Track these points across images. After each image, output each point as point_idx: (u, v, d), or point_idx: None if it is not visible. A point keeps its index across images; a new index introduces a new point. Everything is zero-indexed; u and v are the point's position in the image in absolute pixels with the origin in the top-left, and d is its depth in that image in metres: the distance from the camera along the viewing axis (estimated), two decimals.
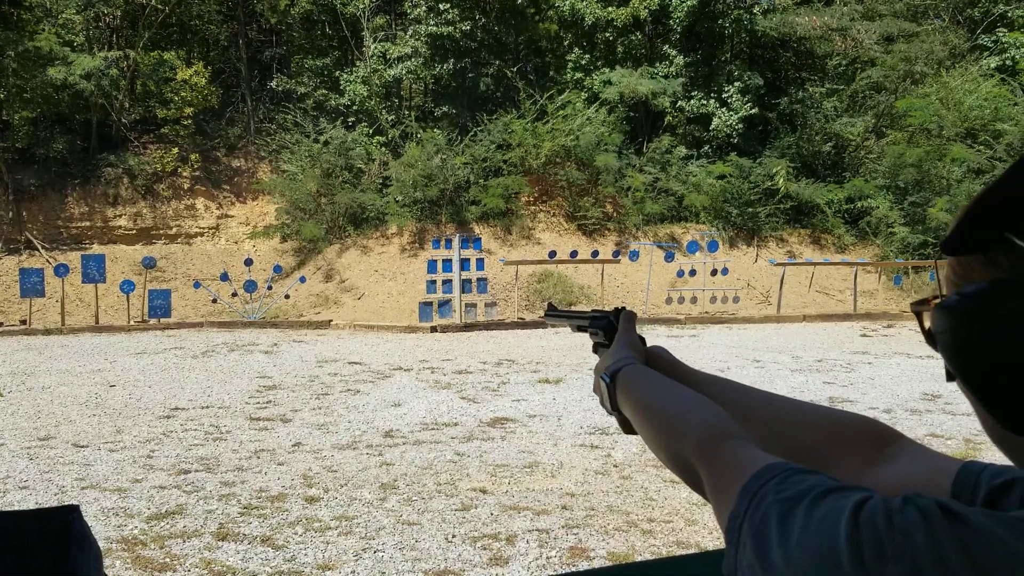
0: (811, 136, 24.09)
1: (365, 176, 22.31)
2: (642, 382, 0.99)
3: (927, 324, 0.71)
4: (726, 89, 23.52)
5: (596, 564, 4.35)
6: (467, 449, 6.89)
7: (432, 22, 23.47)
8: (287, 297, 18.95)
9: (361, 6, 24.12)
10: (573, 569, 4.32)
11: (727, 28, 24.42)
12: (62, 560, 0.81)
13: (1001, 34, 25.57)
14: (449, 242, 18.23)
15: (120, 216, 22.21)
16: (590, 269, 19.37)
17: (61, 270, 17.46)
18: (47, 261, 19.92)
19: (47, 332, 16.29)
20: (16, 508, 3.25)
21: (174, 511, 5.25)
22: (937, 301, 0.68)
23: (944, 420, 7.87)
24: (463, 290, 17.57)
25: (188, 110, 23.43)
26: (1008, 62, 24.58)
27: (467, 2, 23.94)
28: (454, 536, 4.80)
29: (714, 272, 19.24)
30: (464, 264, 17.77)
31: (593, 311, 1.30)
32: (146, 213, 22.47)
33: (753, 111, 23.32)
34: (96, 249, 20.69)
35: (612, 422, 1.15)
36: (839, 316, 18.54)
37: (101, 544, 4.27)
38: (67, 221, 21.70)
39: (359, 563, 4.40)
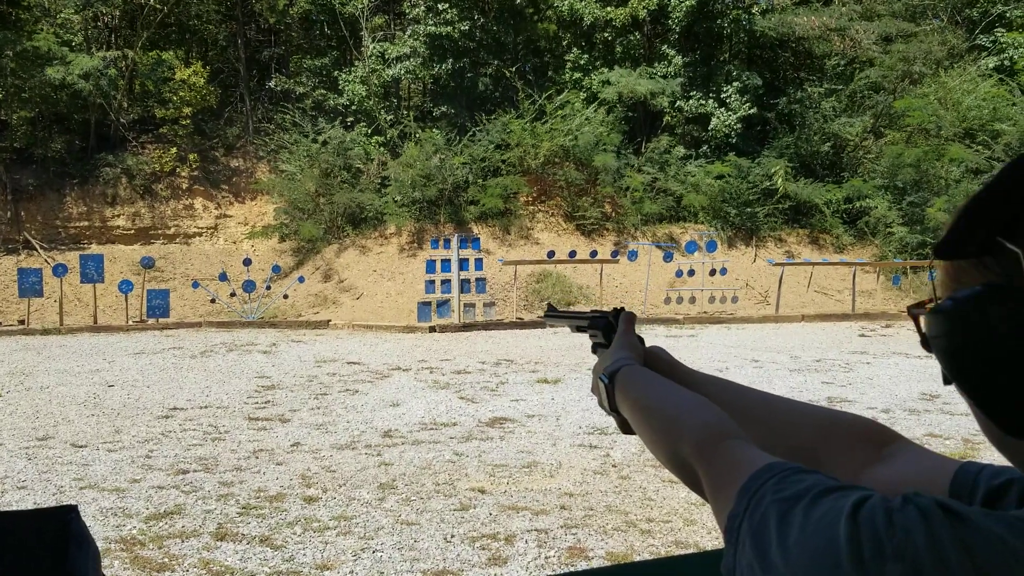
0: (809, 136, 24.10)
1: (364, 176, 22.31)
2: (640, 382, 0.99)
3: (924, 328, 0.71)
4: (724, 89, 23.53)
5: (595, 564, 4.35)
6: (466, 449, 6.89)
7: (431, 22, 23.47)
8: (286, 297, 18.94)
9: (360, 6, 24.11)
10: (572, 569, 4.32)
11: (726, 28, 24.41)
12: (60, 560, 0.81)
13: (999, 34, 25.59)
14: (448, 242, 18.23)
15: (118, 216, 22.19)
16: (589, 269, 19.37)
17: (59, 270, 17.45)
18: (45, 261, 19.90)
19: (45, 332, 16.28)
20: (14, 508, 3.24)
21: (172, 511, 5.25)
22: (932, 305, 0.68)
23: (942, 420, 7.87)
24: (462, 290, 17.57)
25: (186, 110, 23.42)
26: (1006, 62, 24.60)
27: (466, 2, 23.94)
28: (453, 536, 4.80)
29: (712, 272, 19.25)
30: (463, 264, 17.76)
31: (592, 312, 1.30)
32: (144, 213, 22.46)
33: (752, 111, 23.33)
34: (94, 249, 20.67)
35: (611, 422, 1.15)
36: (837, 316, 18.54)
37: (99, 544, 4.27)
38: (65, 221, 21.68)
39: (358, 563, 4.40)
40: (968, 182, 21.24)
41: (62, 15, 23.60)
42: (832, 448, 0.92)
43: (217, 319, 17.92)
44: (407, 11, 24.73)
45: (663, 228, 22.20)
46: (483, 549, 4.60)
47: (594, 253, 19.40)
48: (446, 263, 17.76)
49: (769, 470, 0.67)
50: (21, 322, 17.08)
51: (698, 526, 4.99)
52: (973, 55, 25.67)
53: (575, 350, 12.59)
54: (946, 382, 0.68)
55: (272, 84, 25.18)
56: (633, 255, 19.81)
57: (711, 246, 20.33)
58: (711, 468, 0.76)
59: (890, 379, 10.44)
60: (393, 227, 21.36)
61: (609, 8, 23.64)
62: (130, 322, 17.36)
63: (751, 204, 22.57)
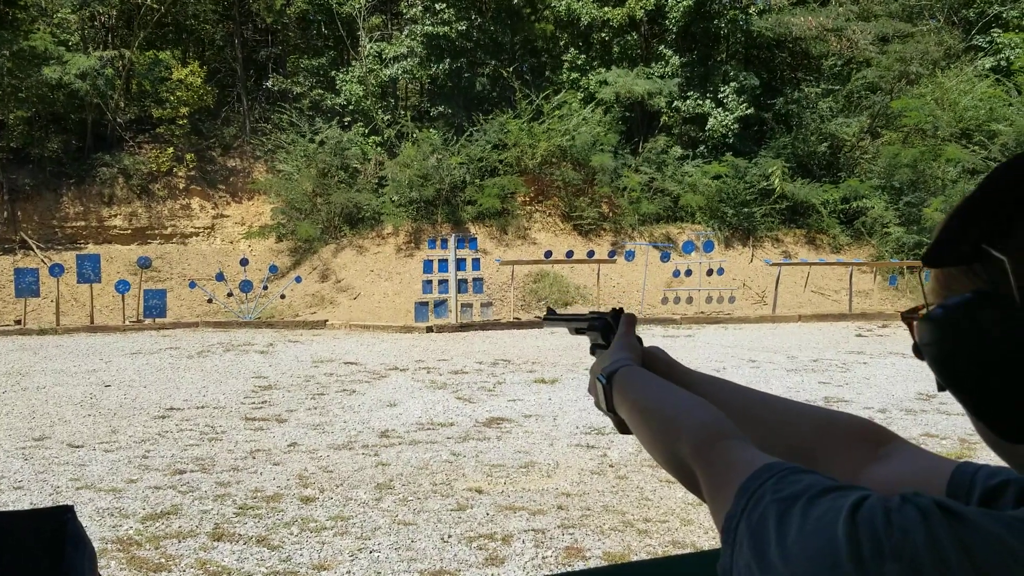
0: (806, 136, 24.11)
1: (361, 176, 22.30)
2: (638, 383, 1.00)
3: (915, 335, 0.72)
4: (722, 89, 23.54)
5: (592, 564, 4.35)
6: (463, 449, 6.89)
7: (428, 22, 23.45)
8: (283, 297, 18.92)
9: (357, 6, 24.09)
10: (569, 569, 4.32)
11: (723, 28, 24.41)
12: (57, 561, 0.81)
13: (996, 35, 25.62)
14: (445, 242, 18.23)
15: (115, 216, 22.16)
16: (586, 269, 19.38)
17: (56, 270, 17.42)
18: (42, 261, 19.88)
19: (42, 332, 16.25)
20: (10, 508, 3.25)
21: (169, 511, 5.24)
22: (924, 312, 0.68)
23: (939, 420, 7.88)
24: (459, 290, 17.57)
25: (183, 110, 23.40)
26: (1003, 63, 24.64)
27: (463, 2, 23.93)
28: (450, 536, 4.80)
29: (710, 272, 19.26)
30: (460, 264, 17.77)
31: (591, 313, 1.31)
32: (141, 213, 22.43)
33: (749, 111, 23.34)
34: (91, 249, 20.64)
35: (608, 422, 1.16)
36: (834, 316, 18.56)
37: (96, 544, 4.26)
38: (62, 221, 21.65)
39: (355, 563, 4.40)
40: (965, 182, 21.27)
41: (59, 15, 23.55)
42: (829, 448, 0.92)
43: (214, 319, 17.91)
44: (404, 11, 24.71)
45: (660, 228, 22.21)
46: (480, 549, 4.60)
47: (591, 253, 19.41)
48: (443, 263, 17.76)
49: (767, 470, 0.67)
50: (18, 322, 17.06)
51: (695, 526, 5.00)
52: (970, 55, 25.70)
53: (572, 350, 12.59)
54: (940, 388, 0.68)
55: (269, 84, 25.16)
56: (630, 255, 19.82)
57: (708, 246, 20.34)
58: (709, 468, 0.76)
59: (887, 379, 10.46)
60: (390, 227, 21.35)
61: (606, 8, 23.64)
62: (127, 322, 17.34)
63: (748, 204, 22.59)
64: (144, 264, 18.90)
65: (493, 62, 24.94)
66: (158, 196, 22.79)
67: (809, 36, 24.62)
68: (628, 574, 1.54)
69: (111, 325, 17.07)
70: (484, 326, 16.89)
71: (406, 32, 24.16)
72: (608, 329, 1.24)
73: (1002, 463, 0.70)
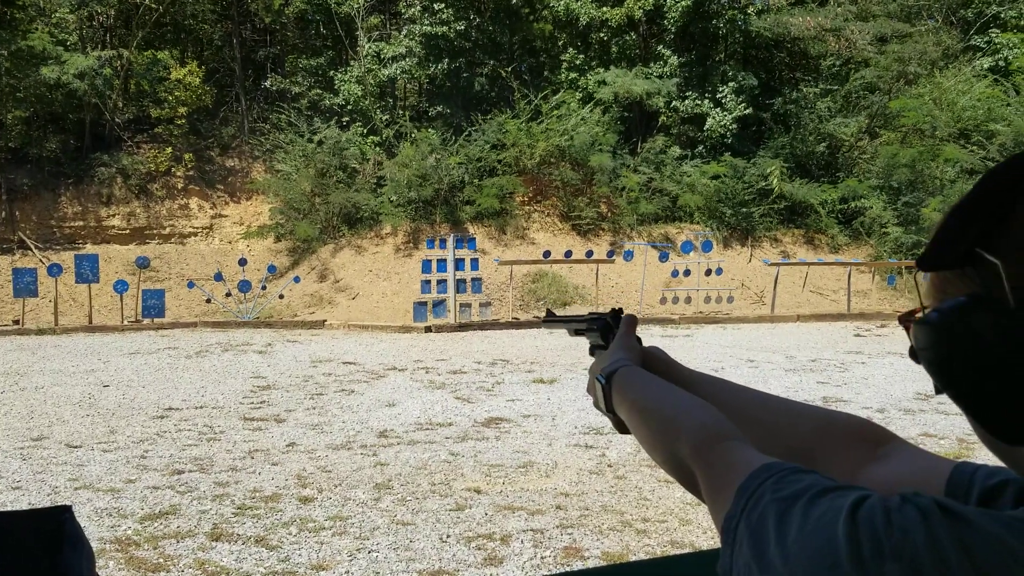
0: (805, 136, 24.12)
1: (359, 176, 22.29)
2: (637, 384, 1.00)
3: (911, 339, 0.72)
4: (720, 89, 23.55)
5: (590, 564, 4.35)
6: (461, 449, 6.89)
7: (426, 22, 23.45)
8: (281, 297, 18.92)
9: (355, 6, 24.08)
10: (567, 569, 4.32)
11: (721, 28, 24.43)
12: (55, 561, 0.81)
13: (994, 35, 25.64)
14: (443, 242, 18.23)
15: (114, 216, 22.15)
16: (584, 269, 19.38)
17: (54, 270, 17.41)
18: (40, 261, 19.86)
19: (40, 332, 16.24)
20: (8, 509, 3.24)
21: (168, 511, 5.24)
22: (919, 316, 0.68)
23: (937, 420, 7.89)
24: (457, 290, 17.57)
25: (182, 110, 23.37)
26: (1001, 63, 24.65)
27: (461, 2, 23.93)
28: (448, 536, 4.80)
29: (708, 272, 19.27)
30: (458, 264, 17.77)
31: (590, 314, 1.31)
32: (140, 213, 22.41)
33: (747, 111, 23.35)
34: (89, 249, 20.63)
35: (607, 422, 1.16)
36: (833, 316, 18.57)
37: (94, 545, 4.26)
38: (60, 221, 21.63)
39: (353, 563, 4.39)
40: (963, 182, 21.28)
41: (57, 14, 23.53)
42: (828, 448, 0.92)
43: (212, 319, 17.90)
44: (403, 11, 24.71)
45: (659, 228, 22.22)
46: (479, 549, 4.60)
47: (590, 253, 19.40)
48: (442, 263, 17.76)
49: (767, 470, 0.67)
50: (16, 322, 17.04)
51: (694, 526, 5.00)
52: (968, 55, 25.72)
53: (571, 350, 12.60)
54: (938, 391, 0.69)
55: (268, 84, 25.14)
56: (629, 255, 19.82)
57: (707, 246, 20.34)
58: (708, 469, 0.76)
59: (885, 379, 10.46)
60: (389, 227, 21.34)
61: (605, 8, 23.65)
62: (125, 322, 17.33)
63: (747, 204, 22.60)
64: (142, 264, 18.89)
65: (491, 62, 24.94)
66: (156, 196, 22.77)
67: (807, 36, 24.63)
68: (627, 574, 1.54)
69: (109, 325, 17.06)
70: (483, 326, 16.89)
71: (404, 32, 24.16)
72: (607, 329, 1.24)
73: (1000, 463, 0.71)
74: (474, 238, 19.55)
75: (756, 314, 18.82)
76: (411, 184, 21.21)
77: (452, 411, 8.52)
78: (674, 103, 23.35)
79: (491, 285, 18.85)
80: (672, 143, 23.46)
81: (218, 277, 18.94)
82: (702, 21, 24.13)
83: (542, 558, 4.48)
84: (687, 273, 19.34)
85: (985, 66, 24.66)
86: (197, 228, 22.87)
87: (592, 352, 1.28)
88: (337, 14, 24.42)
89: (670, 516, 5.16)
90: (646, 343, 1.16)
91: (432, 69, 23.77)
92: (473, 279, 17.92)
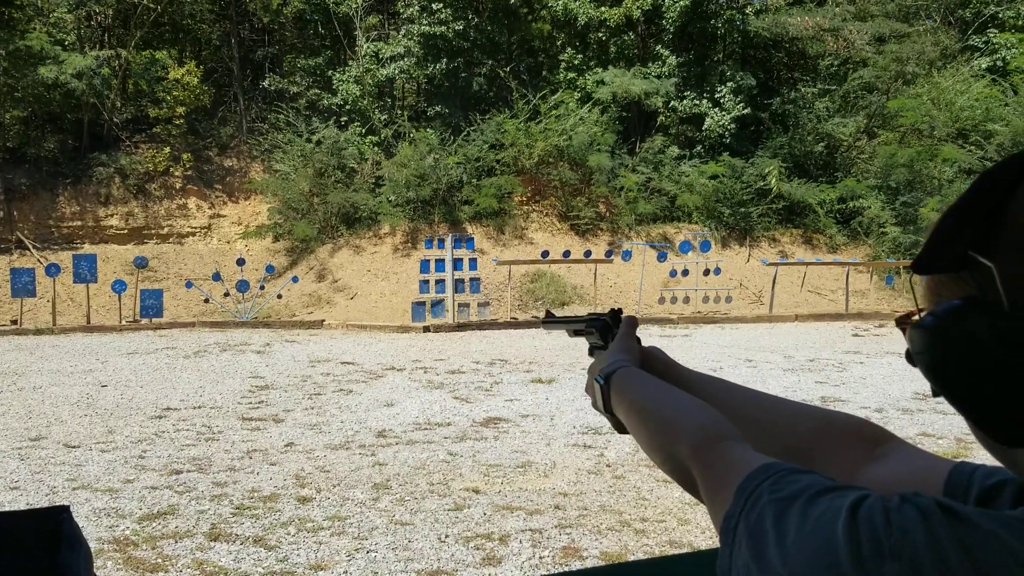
0: (803, 136, 24.13)
1: (358, 176, 22.28)
2: (636, 385, 1.00)
3: (907, 343, 0.72)
4: (719, 89, 23.55)
5: (589, 564, 4.35)
6: (460, 449, 6.89)
7: (425, 22, 23.44)
8: (279, 297, 18.91)
9: (354, 5, 24.08)
10: (566, 569, 4.32)
11: (719, 28, 24.43)
12: (52, 561, 0.81)
13: (992, 35, 25.67)
14: (442, 242, 18.23)
15: (112, 216, 22.13)
16: (583, 269, 19.38)
17: (52, 270, 17.39)
18: (38, 261, 19.84)
19: (38, 332, 16.23)
20: (6, 509, 3.24)
21: (166, 511, 5.23)
22: (916, 319, 0.69)
23: (935, 419, 7.90)
24: (456, 290, 17.57)
25: (180, 109, 23.36)
26: (999, 63, 24.68)
27: (460, 2, 23.92)
28: (447, 536, 4.80)
29: (706, 272, 19.27)
30: (457, 264, 17.77)
31: (589, 315, 1.31)
32: (138, 213, 22.39)
33: (745, 111, 23.35)
34: (87, 249, 20.61)
35: (605, 422, 1.17)
36: (831, 316, 18.58)
37: (92, 545, 4.26)
38: (58, 221, 21.61)
39: (352, 563, 4.39)
40: (961, 182, 21.29)
41: (55, 14, 23.52)
42: (827, 448, 0.92)
43: (211, 319, 17.88)
44: (401, 11, 24.69)
45: (657, 228, 22.22)
46: (477, 549, 4.60)
47: (588, 253, 19.41)
48: (440, 263, 17.76)
49: (765, 470, 0.67)
50: (14, 322, 17.03)
51: (692, 525, 5.00)
52: (966, 56, 25.74)
53: (569, 350, 12.60)
54: (935, 394, 0.69)
55: (266, 84, 25.12)
56: (627, 255, 19.82)
57: (705, 246, 20.35)
58: (707, 469, 0.76)
59: (883, 379, 10.47)
60: (387, 227, 21.34)
61: (603, 8, 23.65)
62: (123, 322, 17.31)
63: (745, 204, 22.61)
64: (140, 264, 18.87)
65: (490, 62, 24.94)
66: (154, 196, 22.76)
67: (806, 36, 24.63)
68: (625, 574, 1.54)
69: (107, 325, 17.04)
70: (481, 326, 16.89)
71: (403, 32, 24.16)
72: (607, 330, 1.24)
73: (999, 463, 0.71)
74: (472, 238, 19.55)
75: (754, 314, 18.83)
76: (409, 184, 21.21)
77: (450, 411, 8.52)
78: (672, 103, 23.35)
79: (489, 285, 18.85)
80: (670, 143, 23.46)
81: (216, 277, 18.93)
82: (700, 21, 24.14)
83: (540, 558, 4.48)
84: (685, 273, 19.35)
85: (983, 66, 24.69)
86: (195, 228, 22.86)
87: (591, 353, 1.28)
88: (335, 14, 24.42)
89: (668, 516, 5.16)
90: (645, 343, 1.17)
91: (430, 69, 23.76)
92: (471, 279, 17.93)
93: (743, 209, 22.58)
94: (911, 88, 24.08)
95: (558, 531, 4.89)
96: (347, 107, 23.65)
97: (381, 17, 26.32)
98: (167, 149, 23.12)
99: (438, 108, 24.08)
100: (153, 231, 22.39)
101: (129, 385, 10.17)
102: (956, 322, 0.64)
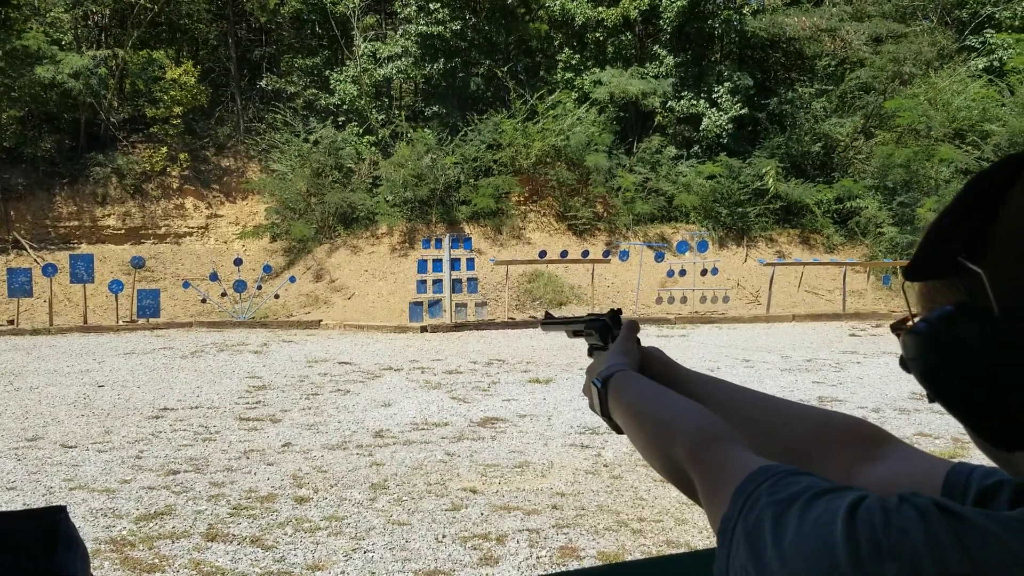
0: (800, 136, 24.15)
1: (355, 176, 22.27)
2: (633, 388, 1.00)
3: (901, 349, 0.72)
4: (716, 89, 23.57)
5: (586, 564, 4.35)
6: (457, 449, 6.89)
7: (422, 22, 23.44)
8: (277, 297, 18.90)
9: (351, 5, 24.06)
10: (563, 569, 4.32)
11: (717, 28, 24.45)
12: (49, 561, 0.81)
13: (989, 35, 25.71)
14: (439, 242, 18.22)
15: (109, 216, 22.10)
16: (580, 269, 19.38)
17: (49, 270, 17.36)
18: (35, 261, 19.81)
19: (35, 332, 16.20)
20: (3, 509, 3.23)
21: (163, 512, 5.23)
22: (910, 324, 0.69)
23: (932, 419, 7.90)
24: (453, 290, 17.56)
25: (177, 109, 23.34)
26: (996, 63, 24.71)
27: (457, 2, 23.92)
28: (444, 536, 4.79)
29: (704, 272, 19.28)
30: (454, 264, 17.76)
31: (589, 315, 1.31)
32: (135, 213, 22.37)
33: (743, 111, 23.37)
34: (84, 249, 20.59)
35: (602, 422, 1.18)
36: (828, 316, 18.59)
37: (89, 545, 4.25)
38: (55, 221, 21.59)
39: (349, 563, 4.39)
40: (958, 182, 21.32)
41: (52, 14, 23.50)
42: (825, 448, 0.92)
43: (208, 319, 17.86)
44: (398, 11, 24.69)
45: (654, 228, 22.24)
46: (475, 549, 4.60)
47: (586, 253, 19.41)
48: (438, 263, 17.75)
49: (763, 472, 0.67)
50: (10, 322, 17.00)
51: (689, 525, 5.00)
52: (963, 56, 25.77)
53: (567, 350, 12.60)
54: (930, 399, 0.69)
55: (263, 83, 25.11)
56: (624, 255, 19.83)
57: (702, 246, 20.36)
58: (705, 471, 0.76)
59: (880, 379, 10.48)
60: (384, 227, 21.33)
61: (601, 8, 23.65)
62: (120, 322, 17.29)
63: (742, 204, 22.63)
64: (138, 264, 18.85)
65: (487, 62, 24.94)
66: (152, 196, 22.74)
67: (803, 36, 24.66)
68: (623, 574, 1.54)
69: (104, 325, 17.02)
70: (478, 326, 16.89)
71: (400, 32, 24.15)
72: (606, 330, 1.24)
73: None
74: (470, 238, 19.54)
75: (752, 314, 18.84)
76: (407, 184, 21.20)
77: (448, 411, 8.52)
78: (670, 103, 23.37)
79: (487, 285, 18.85)
80: (668, 143, 23.48)
81: (213, 277, 18.91)
82: (698, 21, 24.16)
83: (538, 558, 4.48)
84: (683, 273, 19.36)
85: (980, 66, 24.72)
86: (192, 228, 22.84)
87: (590, 353, 1.28)
88: (333, 14, 24.40)
89: (666, 516, 5.17)
90: (643, 343, 1.17)
91: (428, 69, 23.76)
92: (469, 279, 17.92)
93: (740, 209, 22.60)
94: (908, 88, 24.11)
95: (555, 531, 4.89)
96: (344, 107, 23.64)
97: (378, 17, 26.32)
98: (164, 149, 23.10)
99: (435, 108, 24.07)
100: (150, 231, 22.37)
101: (126, 385, 10.16)
102: (948, 328, 0.64)
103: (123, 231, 22.06)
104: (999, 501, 0.70)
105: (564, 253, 19.14)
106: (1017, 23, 25.75)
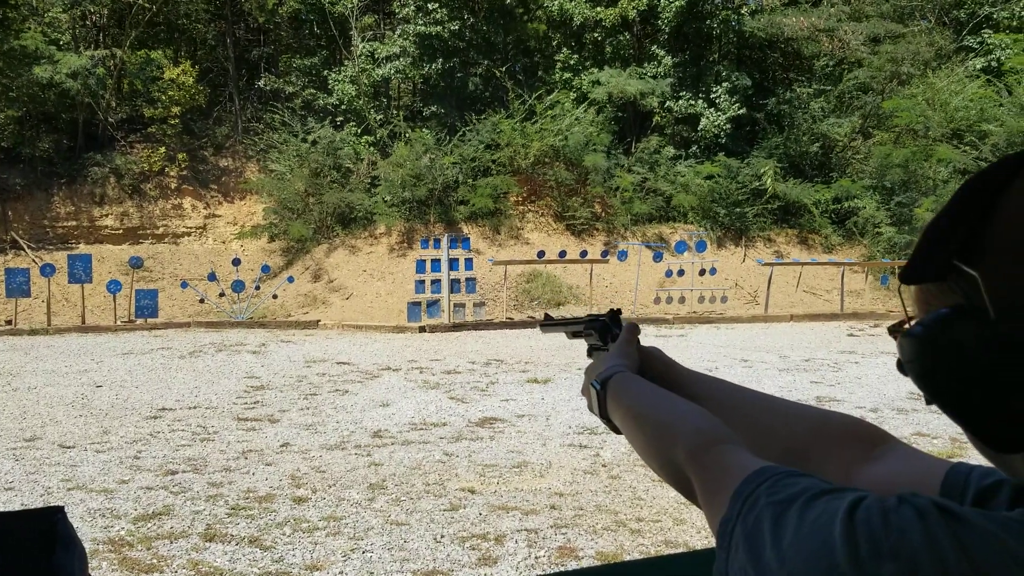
0: (798, 136, 24.17)
1: (353, 176, 22.27)
2: (633, 390, 1.00)
3: (898, 352, 0.72)
4: (714, 89, 23.58)
5: (585, 564, 4.35)
6: (456, 449, 6.89)
7: (420, 22, 23.44)
8: (275, 297, 18.89)
9: (349, 5, 24.06)
10: (562, 569, 4.32)
11: (715, 29, 24.46)
12: (47, 561, 0.81)
13: (986, 35, 25.73)
14: (438, 242, 18.21)
15: (107, 216, 22.09)
16: (579, 269, 19.38)
17: (47, 270, 17.35)
18: (33, 261, 19.79)
19: (33, 332, 16.19)
20: (1, 509, 3.22)
21: (161, 512, 5.22)
22: (907, 327, 0.69)
23: (930, 419, 7.91)
24: (452, 290, 17.56)
25: (175, 109, 23.32)
26: (993, 63, 24.73)
27: (455, 2, 23.92)
28: (443, 536, 4.79)
29: (702, 272, 19.29)
30: (453, 264, 17.75)
31: (588, 316, 1.31)
32: (133, 213, 22.36)
33: (741, 111, 23.39)
34: (82, 249, 20.57)
35: (600, 421, 1.18)
36: (826, 316, 18.60)
37: (87, 545, 4.25)
38: (53, 221, 21.57)
39: (347, 563, 4.39)
40: (956, 182, 21.34)
41: (50, 14, 23.47)
42: (823, 448, 0.92)
43: (206, 319, 17.85)
44: (397, 11, 24.69)
45: (653, 228, 22.24)
46: (473, 549, 4.60)
47: (584, 253, 19.41)
48: (436, 263, 17.75)
49: (762, 474, 0.67)
50: (8, 322, 16.98)
51: (687, 525, 5.00)
52: (960, 56, 25.80)
53: (565, 350, 12.60)
54: (927, 402, 0.69)
55: (261, 83, 25.11)
56: (623, 255, 19.83)
57: (700, 246, 20.37)
58: (704, 473, 0.76)
59: (878, 378, 10.48)
60: (383, 227, 21.33)
61: (599, 8, 23.66)
62: (118, 322, 17.27)
63: (740, 204, 22.64)
64: (136, 264, 18.83)
65: (486, 62, 24.94)
66: (150, 196, 22.72)
67: (801, 36, 24.68)
68: (621, 574, 1.54)
69: (102, 325, 17.01)
70: (477, 326, 16.89)
71: (398, 32, 24.15)
72: (605, 330, 1.24)
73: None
74: (468, 238, 19.54)
75: (750, 314, 18.85)
76: (405, 184, 21.20)
77: (446, 411, 8.52)
78: (668, 103, 23.38)
79: (485, 285, 18.85)
80: (666, 143, 23.49)
81: (212, 277, 18.90)
82: (696, 21, 24.17)
83: (536, 558, 4.48)
84: (681, 273, 19.36)
85: (978, 67, 24.74)
86: (191, 228, 22.83)
87: (590, 354, 1.28)
88: (331, 14, 24.40)
89: (664, 516, 5.17)
90: (641, 343, 1.17)
91: (426, 69, 23.76)
92: (467, 279, 17.91)
93: (739, 209, 22.61)
94: (906, 88, 24.13)
95: (554, 531, 4.89)
96: (343, 107, 23.64)
97: (377, 17, 26.31)
98: (162, 149, 23.08)
99: (434, 108, 24.07)
100: (148, 231, 22.35)
101: (124, 385, 10.15)
102: (944, 331, 0.64)
103: (121, 231, 22.05)
104: (998, 501, 0.70)
105: (562, 253, 19.14)
106: (1015, 23, 25.78)
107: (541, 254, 18.87)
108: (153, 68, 23.31)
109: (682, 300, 18.80)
